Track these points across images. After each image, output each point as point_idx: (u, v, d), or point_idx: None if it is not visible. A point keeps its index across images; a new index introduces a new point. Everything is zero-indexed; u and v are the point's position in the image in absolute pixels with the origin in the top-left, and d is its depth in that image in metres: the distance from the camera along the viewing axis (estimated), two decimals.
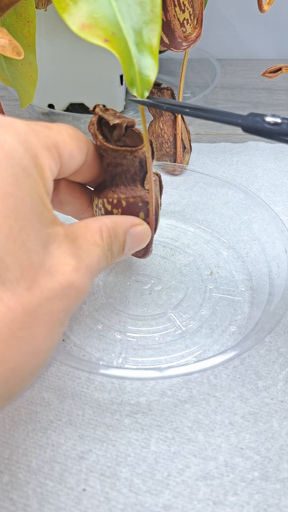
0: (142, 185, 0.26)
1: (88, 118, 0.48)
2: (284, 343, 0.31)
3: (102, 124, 0.25)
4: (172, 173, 0.44)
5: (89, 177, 0.26)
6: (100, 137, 0.24)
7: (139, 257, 0.31)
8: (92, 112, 0.25)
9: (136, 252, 0.28)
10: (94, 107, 0.24)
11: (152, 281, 0.35)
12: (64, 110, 0.52)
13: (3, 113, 0.34)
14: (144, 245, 0.26)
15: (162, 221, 0.40)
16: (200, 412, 0.27)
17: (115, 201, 0.25)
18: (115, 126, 0.25)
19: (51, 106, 0.51)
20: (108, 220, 0.23)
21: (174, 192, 0.42)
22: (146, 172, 0.26)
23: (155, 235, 0.30)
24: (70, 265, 0.20)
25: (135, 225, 0.25)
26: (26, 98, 0.39)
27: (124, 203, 0.25)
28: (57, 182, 0.26)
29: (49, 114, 0.50)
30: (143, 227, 0.26)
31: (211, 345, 0.30)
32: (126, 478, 0.24)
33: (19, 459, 0.25)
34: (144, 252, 0.29)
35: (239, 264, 0.36)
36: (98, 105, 0.24)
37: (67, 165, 0.23)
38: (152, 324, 0.32)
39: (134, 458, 0.25)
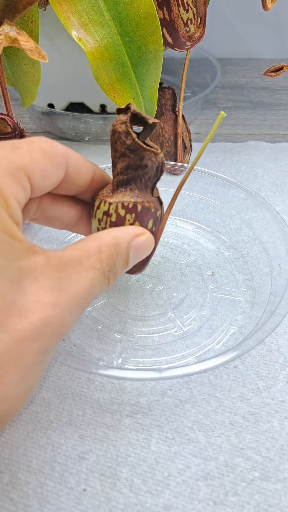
0: (152, 192, 0.26)
1: (88, 117, 0.48)
2: (284, 343, 0.31)
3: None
4: (173, 172, 0.44)
5: (74, 189, 0.25)
6: (134, 135, 0.23)
7: (134, 273, 0.29)
8: (122, 111, 0.24)
9: (133, 267, 0.27)
10: (127, 106, 0.23)
11: (153, 281, 0.35)
12: (64, 110, 0.52)
13: (11, 113, 0.34)
14: (147, 254, 0.25)
15: None
16: (200, 412, 0.27)
17: (130, 205, 0.24)
18: (147, 126, 0.24)
19: (51, 105, 0.51)
20: (108, 237, 0.22)
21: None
22: (158, 179, 0.26)
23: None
24: (45, 302, 0.18)
25: (138, 235, 0.23)
26: (28, 97, 0.39)
27: (139, 207, 0.25)
28: (39, 198, 0.25)
29: (49, 113, 0.50)
30: (146, 236, 0.24)
31: (212, 346, 0.30)
32: (127, 478, 0.24)
33: (19, 459, 0.25)
34: (142, 265, 0.28)
35: (240, 264, 0.36)
36: (131, 104, 0.24)
37: (41, 184, 0.22)
38: (153, 324, 0.32)
39: (134, 458, 0.25)
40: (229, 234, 0.39)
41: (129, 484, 0.24)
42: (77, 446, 0.25)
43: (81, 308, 0.20)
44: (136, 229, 0.24)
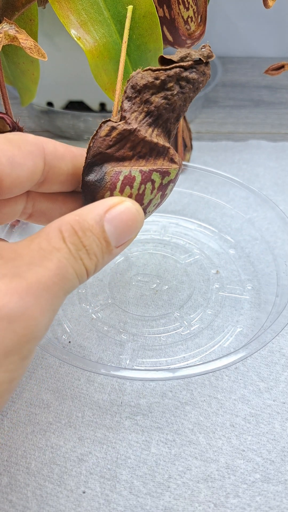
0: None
1: (87, 116, 0.48)
2: (286, 344, 0.31)
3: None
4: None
5: (67, 181, 0.23)
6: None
7: None
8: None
9: None
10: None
11: (158, 281, 0.34)
12: (63, 108, 0.51)
13: (10, 111, 0.34)
14: (137, 228, 0.21)
15: (164, 220, 0.40)
16: (201, 414, 0.27)
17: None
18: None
19: (50, 104, 0.51)
20: (70, 216, 0.19)
21: (175, 190, 0.42)
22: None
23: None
24: None
25: (113, 205, 0.20)
26: (27, 96, 0.39)
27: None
28: (27, 194, 0.23)
29: (48, 112, 0.50)
30: (125, 205, 0.20)
31: (217, 346, 0.30)
32: (126, 480, 0.24)
33: (18, 461, 0.25)
34: None
35: (244, 262, 0.36)
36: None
37: (12, 173, 0.20)
38: (158, 325, 0.32)
39: (134, 460, 0.25)
40: (231, 233, 0.38)
41: (129, 486, 0.24)
42: (76, 448, 0.25)
43: (51, 294, 0.17)
44: (110, 199, 0.20)
